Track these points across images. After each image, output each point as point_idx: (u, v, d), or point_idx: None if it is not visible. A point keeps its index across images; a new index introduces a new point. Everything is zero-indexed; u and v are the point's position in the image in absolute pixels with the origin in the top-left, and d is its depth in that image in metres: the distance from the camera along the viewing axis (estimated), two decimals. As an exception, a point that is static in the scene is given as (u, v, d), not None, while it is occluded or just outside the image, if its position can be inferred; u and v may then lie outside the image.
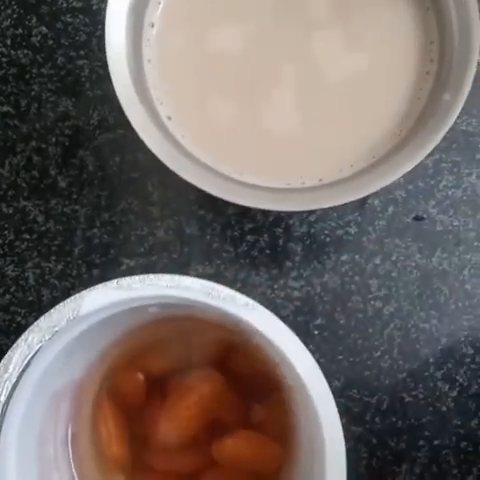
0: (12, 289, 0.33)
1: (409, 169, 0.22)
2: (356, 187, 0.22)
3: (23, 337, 0.20)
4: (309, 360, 0.20)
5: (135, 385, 0.28)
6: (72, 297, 0.20)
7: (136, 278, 0.21)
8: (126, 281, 0.20)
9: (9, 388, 0.20)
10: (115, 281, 0.21)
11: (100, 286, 0.20)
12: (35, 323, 0.20)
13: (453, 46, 0.23)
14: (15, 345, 0.20)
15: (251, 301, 0.21)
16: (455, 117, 0.24)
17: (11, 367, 0.20)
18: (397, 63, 0.24)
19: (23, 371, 0.20)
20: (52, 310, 0.20)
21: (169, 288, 0.20)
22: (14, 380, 0.20)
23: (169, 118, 0.23)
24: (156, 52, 0.23)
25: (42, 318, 0.20)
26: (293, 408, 0.26)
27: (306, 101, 0.24)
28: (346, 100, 0.24)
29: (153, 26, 0.23)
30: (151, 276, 0.21)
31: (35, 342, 0.20)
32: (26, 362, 0.20)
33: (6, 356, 0.20)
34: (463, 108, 0.32)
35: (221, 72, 0.23)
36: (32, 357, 0.20)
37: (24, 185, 0.33)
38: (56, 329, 0.20)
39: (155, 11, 0.23)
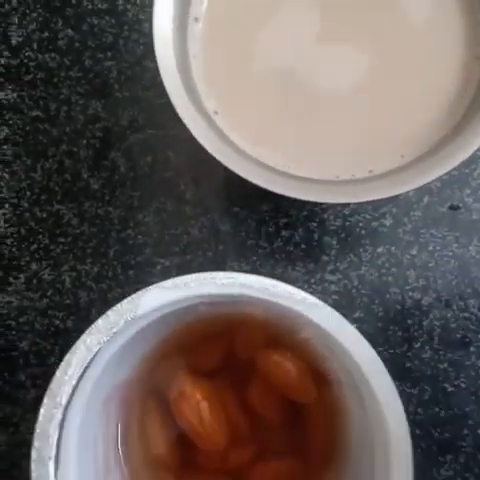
0: (49, 293, 0.33)
1: (463, 159, 0.22)
2: (408, 177, 0.21)
3: (81, 339, 0.20)
4: (374, 358, 0.20)
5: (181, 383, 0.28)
6: (129, 298, 0.20)
7: (192, 277, 0.21)
8: (182, 280, 0.20)
9: (70, 391, 0.20)
10: (170, 281, 0.21)
11: (156, 286, 0.20)
12: (93, 325, 0.20)
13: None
14: (74, 348, 0.20)
15: (309, 296, 0.21)
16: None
17: (70, 370, 0.20)
18: (446, 47, 0.24)
19: (83, 373, 0.20)
20: (109, 311, 0.20)
21: (225, 286, 0.20)
22: (74, 383, 0.20)
23: (216, 113, 0.23)
24: (201, 47, 0.23)
25: (99, 320, 0.20)
26: (342, 405, 0.26)
27: (350, 95, 0.23)
28: (395, 89, 0.24)
29: (197, 21, 0.23)
30: (206, 274, 0.21)
31: (94, 344, 0.20)
32: (86, 364, 0.20)
33: (65, 359, 0.20)
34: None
35: (267, 67, 0.23)
36: (91, 359, 0.20)
37: (57, 189, 0.33)
38: (114, 330, 0.20)
39: (200, 5, 0.23)
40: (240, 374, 0.28)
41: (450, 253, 0.32)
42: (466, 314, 0.32)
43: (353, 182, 0.22)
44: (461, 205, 0.32)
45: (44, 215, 0.33)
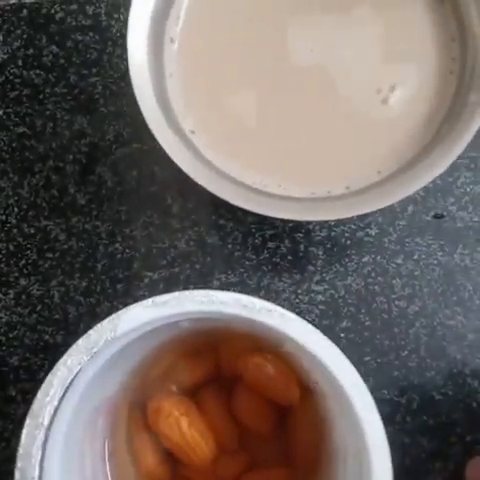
0: (38, 308, 0.33)
1: (440, 173, 0.22)
2: (385, 193, 0.22)
3: (62, 360, 0.20)
4: (350, 369, 0.20)
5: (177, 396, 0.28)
6: (109, 318, 0.21)
7: (171, 295, 0.21)
8: (161, 299, 0.21)
9: (51, 412, 0.20)
10: (150, 300, 0.21)
11: (136, 305, 0.21)
12: (73, 345, 0.20)
13: (476, 44, 0.23)
14: (55, 369, 0.20)
15: (287, 312, 0.21)
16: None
17: (52, 391, 0.20)
18: (421, 63, 0.24)
19: (64, 393, 0.20)
20: (90, 331, 0.21)
21: (204, 303, 0.21)
22: (56, 403, 0.20)
23: (192, 132, 0.23)
24: (177, 67, 0.23)
25: (80, 340, 0.20)
26: (326, 414, 0.26)
27: (329, 110, 0.24)
28: (367, 107, 0.24)
29: (173, 41, 0.23)
30: (186, 293, 0.21)
31: (75, 364, 0.20)
32: (67, 385, 0.20)
33: (46, 380, 0.20)
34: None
35: (243, 86, 0.23)
36: (72, 379, 0.20)
37: (44, 204, 0.33)
38: (94, 350, 0.20)
39: (175, 26, 0.23)
40: (227, 387, 0.28)
41: (435, 261, 0.32)
42: (452, 322, 0.32)
43: (330, 199, 0.22)
44: (445, 213, 0.32)
45: (32, 231, 0.33)
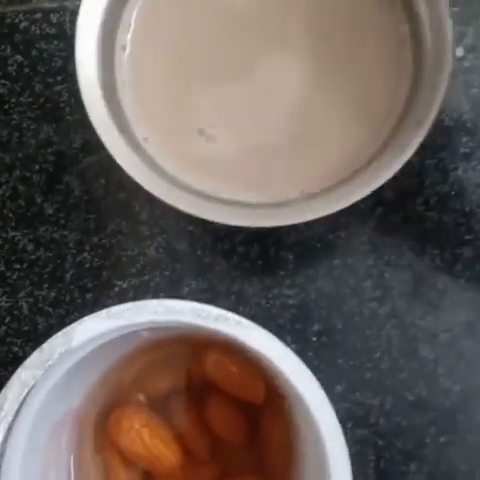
0: (7, 320, 0.33)
1: (392, 174, 0.22)
2: (339, 197, 0.22)
3: (16, 374, 0.20)
4: (306, 373, 0.20)
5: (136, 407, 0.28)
6: (63, 330, 0.20)
7: (125, 306, 0.20)
8: (115, 310, 0.20)
9: (6, 427, 0.20)
10: (105, 311, 0.21)
11: (90, 317, 0.20)
12: (27, 360, 0.20)
13: (426, 46, 0.23)
14: (9, 383, 0.20)
15: (243, 319, 0.21)
16: (435, 115, 0.24)
17: (6, 406, 0.20)
18: (374, 66, 0.24)
19: (19, 408, 0.20)
20: (44, 345, 0.20)
21: (159, 313, 0.20)
22: (10, 418, 0.20)
23: (145, 139, 0.23)
24: (129, 74, 0.23)
25: (34, 354, 0.20)
26: (294, 419, 0.26)
27: (281, 115, 0.23)
28: (326, 109, 0.24)
29: (125, 49, 0.23)
30: (140, 303, 0.21)
31: (29, 378, 0.20)
32: (21, 399, 0.20)
33: (1, 395, 0.20)
34: (444, 103, 0.32)
35: (195, 92, 0.23)
36: (27, 393, 0.20)
37: (11, 215, 0.33)
38: (49, 363, 0.20)
39: (126, 33, 0.23)
40: (197, 396, 0.28)
41: (405, 262, 0.32)
42: (423, 322, 0.32)
43: (284, 204, 0.22)
44: (414, 214, 0.32)
45: (-1, 242, 0.33)
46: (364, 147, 0.23)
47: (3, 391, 0.20)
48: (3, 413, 0.20)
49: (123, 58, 0.23)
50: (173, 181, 0.23)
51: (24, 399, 0.20)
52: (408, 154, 0.22)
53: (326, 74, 0.24)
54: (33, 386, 0.20)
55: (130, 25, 0.23)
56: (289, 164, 0.23)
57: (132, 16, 0.23)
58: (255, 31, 0.23)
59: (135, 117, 0.23)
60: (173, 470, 0.26)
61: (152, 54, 0.23)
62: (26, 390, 0.20)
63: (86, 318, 0.20)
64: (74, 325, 0.20)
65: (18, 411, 0.20)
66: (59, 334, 0.20)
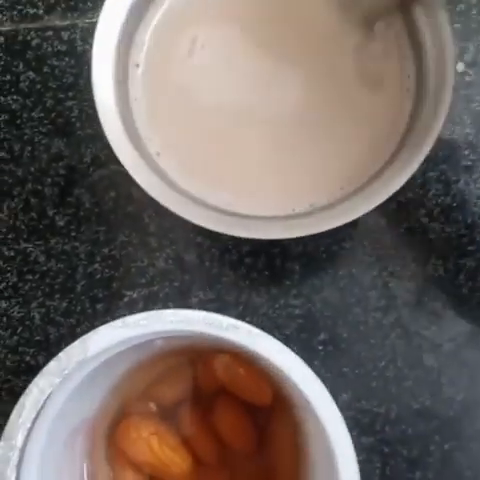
0: (19, 330, 0.33)
1: (399, 187, 0.23)
2: (348, 209, 0.22)
3: (34, 382, 0.21)
4: (315, 382, 0.20)
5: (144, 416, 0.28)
6: (80, 339, 0.21)
7: (141, 315, 0.21)
8: (131, 319, 0.21)
9: (25, 434, 0.20)
10: (120, 320, 0.21)
11: (106, 326, 0.21)
12: (45, 368, 0.21)
13: (429, 63, 0.24)
14: (27, 390, 0.21)
15: (253, 328, 0.21)
16: (439, 129, 0.25)
17: (25, 413, 0.21)
18: (377, 82, 0.25)
19: (37, 415, 0.21)
20: (61, 353, 0.21)
21: (173, 323, 0.21)
22: (29, 425, 0.21)
23: (158, 154, 0.24)
24: (142, 91, 0.24)
25: (52, 362, 0.21)
26: (303, 427, 0.26)
27: (288, 131, 0.24)
28: (330, 124, 0.24)
29: (138, 66, 0.24)
30: (154, 312, 0.21)
31: (47, 386, 0.21)
32: (39, 407, 0.21)
33: (19, 402, 0.21)
34: (446, 117, 0.33)
35: (207, 108, 0.24)
36: (45, 401, 0.21)
37: (23, 227, 0.34)
38: (66, 372, 0.21)
39: (140, 52, 0.24)
40: (207, 403, 0.29)
41: (409, 272, 0.33)
42: (427, 331, 0.32)
43: (293, 217, 0.23)
44: (417, 225, 0.33)
45: (12, 253, 0.34)
46: (369, 163, 0.24)
47: (21, 399, 0.21)
48: (21, 420, 0.21)
49: (136, 75, 0.24)
50: (185, 194, 0.23)
51: (42, 407, 0.21)
52: (411, 171, 0.23)
53: (330, 89, 0.25)
54: (50, 394, 0.21)
55: (144, 43, 0.24)
56: (299, 178, 0.24)
57: (146, 34, 0.24)
58: (256, 49, 0.24)
59: (148, 133, 0.24)
60: (183, 477, 0.27)
61: (163, 72, 0.24)
62: (44, 398, 0.21)
63: (102, 327, 0.21)
64: (90, 334, 0.21)
65: (36, 419, 0.21)
66: (76, 343, 0.21)
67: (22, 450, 0.21)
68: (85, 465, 0.26)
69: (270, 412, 0.28)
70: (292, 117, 0.24)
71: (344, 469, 0.20)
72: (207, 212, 0.22)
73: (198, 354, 0.28)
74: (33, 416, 0.21)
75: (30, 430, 0.21)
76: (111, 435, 0.28)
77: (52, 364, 0.21)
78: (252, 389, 0.26)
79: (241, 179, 0.24)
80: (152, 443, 0.24)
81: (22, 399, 0.21)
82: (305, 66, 0.25)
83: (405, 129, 0.24)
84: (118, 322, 0.21)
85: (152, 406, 0.28)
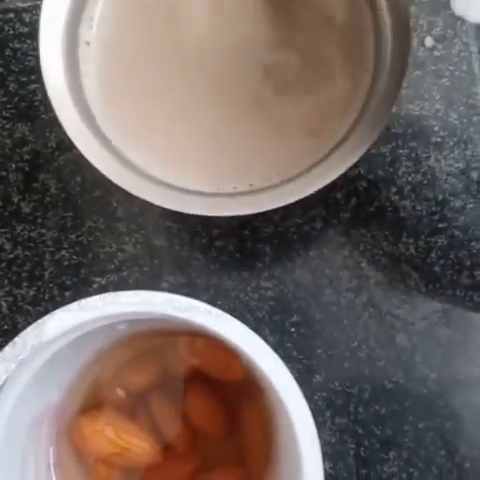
0: (-14, 319, 0.33)
1: (351, 164, 0.22)
2: (293, 189, 0.22)
3: (-11, 369, 0.20)
4: (273, 359, 0.20)
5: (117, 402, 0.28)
6: (34, 324, 0.20)
7: (97, 298, 0.21)
8: (87, 302, 0.21)
9: (-19, 420, 0.20)
10: (76, 303, 0.21)
11: (62, 309, 0.21)
12: None
13: (386, 31, 0.24)
14: (-18, 377, 0.20)
15: (214, 309, 0.21)
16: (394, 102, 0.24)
17: (-20, 400, 0.20)
18: (335, 62, 0.25)
19: (-7, 402, 0.20)
20: (16, 338, 0.20)
21: (131, 304, 0.20)
22: (-15, 412, 0.20)
23: (112, 134, 0.23)
24: (94, 68, 0.23)
25: (6, 348, 0.20)
26: (271, 407, 0.26)
27: (235, 111, 0.24)
28: (289, 105, 0.24)
29: (89, 44, 0.23)
30: (111, 294, 0.21)
31: (2, 372, 0.20)
32: (-5, 393, 0.20)
33: (-25, 389, 0.20)
34: (415, 93, 0.33)
35: (155, 85, 0.24)
36: (1, 387, 0.20)
37: (-12, 215, 0.33)
38: (21, 357, 0.20)
39: (89, 29, 0.23)
40: (177, 388, 0.28)
41: (380, 251, 0.32)
42: (400, 311, 0.32)
43: (235, 195, 0.23)
44: (388, 204, 0.33)
45: (-23, 242, 0.33)
46: (322, 141, 0.24)
47: (-23, 386, 0.20)
48: (-24, 407, 0.20)
49: (87, 52, 0.23)
50: (142, 174, 0.23)
51: (-2, 393, 0.20)
52: (368, 143, 0.22)
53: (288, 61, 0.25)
54: (6, 381, 0.20)
55: (92, 20, 0.23)
56: (241, 158, 0.23)
57: (95, 12, 0.23)
58: (207, 37, 0.24)
59: (101, 113, 0.23)
60: (151, 459, 0.26)
61: (116, 49, 0.23)
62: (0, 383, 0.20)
63: (57, 311, 0.21)
64: (45, 318, 0.20)
65: (-8, 405, 0.20)
66: (30, 328, 0.20)
67: (-21, 437, 0.20)
68: (51, 450, 0.25)
69: (241, 396, 0.28)
70: (240, 100, 0.23)
71: (306, 448, 0.20)
72: (164, 191, 0.22)
73: (167, 339, 0.28)
74: (-12, 403, 0.20)
75: (-14, 417, 0.20)
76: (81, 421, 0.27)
77: (7, 349, 0.20)
78: (221, 366, 0.26)
79: (186, 156, 0.23)
80: (107, 433, 0.24)
81: (-23, 386, 0.20)
82: (268, 47, 0.24)
83: (359, 112, 0.23)
84: (74, 305, 0.21)
85: (120, 393, 0.28)
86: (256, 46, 0.24)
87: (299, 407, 0.20)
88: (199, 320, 0.20)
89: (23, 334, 0.20)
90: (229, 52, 0.24)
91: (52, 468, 0.25)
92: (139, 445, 0.25)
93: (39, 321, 0.20)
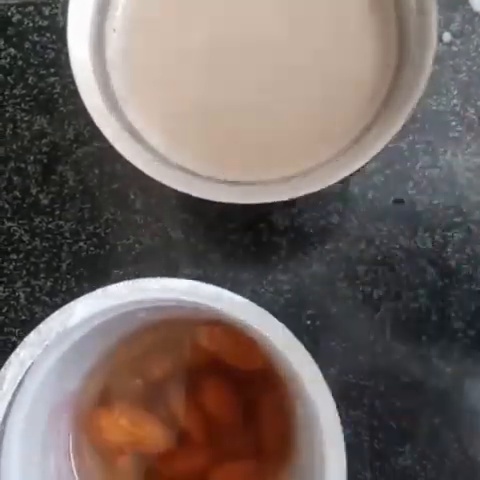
0: (4, 310, 0.33)
1: (376, 153, 0.22)
2: (323, 175, 0.22)
3: (14, 354, 0.21)
4: (300, 348, 0.20)
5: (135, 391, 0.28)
6: (60, 309, 0.21)
7: (121, 284, 0.21)
8: (112, 289, 0.21)
9: (5, 406, 0.20)
10: (101, 289, 0.21)
11: (87, 296, 0.21)
12: (25, 339, 0.21)
13: (410, 24, 0.24)
14: (7, 363, 0.21)
15: (237, 296, 0.21)
16: (418, 97, 0.24)
17: (5, 385, 0.20)
18: (359, 54, 0.25)
19: (18, 388, 0.20)
20: (41, 325, 0.21)
21: (155, 291, 0.21)
22: (9, 398, 0.20)
23: (135, 120, 0.24)
24: (120, 57, 0.23)
25: (31, 334, 0.21)
26: (291, 398, 0.26)
27: (271, 95, 0.24)
28: (312, 93, 0.24)
29: (115, 31, 0.23)
30: (136, 281, 0.21)
31: (27, 358, 0.20)
32: (20, 379, 0.20)
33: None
34: (433, 88, 0.33)
35: (184, 74, 0.24)
36: (25, 373, 0.20)
37: (7, 206, 0.33)
38: (46, 343, 0.20)
39: (115, 17, 0.24)
40: (194, 378, 0.29)
41: (397, 246, 0.32)
42: (416, 304, 0.32)
43: (268, 183, 0.23)
44: (405, 198, 0.33)
45: (-5, 233, 0.33)
46: (349, 126, 0.24)
47: (1, 371, 0.20)
48: (1, 393, 0.20)
49: (113, 40, 0.23)
50: (166, 162, 0.23)
51: (22, 379, 0.21)
52: (389, 136, 0.22)
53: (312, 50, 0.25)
54: (31, 366, 0.21)
55: (117, 8, 0.24)
56: (275, 144, 0.24)
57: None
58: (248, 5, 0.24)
59: (126, 100, 0.23)
60: (166, 449, 0.26)
61: (142, 35, 0.24)
62: (24, 370, 0.20)
63: (82, 297, 0.21)
64: (71, 304, 0.21)
65: (16, 391, 0.21)
66: (56, 313, 0.21)
67: (3, 423, 0.20)
68: (70, 439, 0.26)
69: (258, 388, 0.28)
70: (276, 79, 0.23)
71: (329, 437, 0.20)
72: (186, 177, 0.22)
73: (184, 328, 0.28)
74: (13, 388, 0.20)
75: (11, 403, 0.20)
76: (100, 409, 0.27)
77: (32, 336, 0.21)
78: (240, 355, 0.26)
79: (222, 146, 0.23)
80: (122, 423, 0.25)
81: (2, 372, 0.20)
82: (293, 31, 0.24)
83: (381, 104, 0.23)
84: (98, 291, 0.21)
85: (138, 382, 0.28)
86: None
87: (324, 399, 0.20)
88: (221, 307, 0.21)
89: (48, 320, 0.21)
90: (257, 43, 0.24)
91: (71, 455, 0.26)
92: (155, 434, 0.25)
93: (64, 306, 0.21)
